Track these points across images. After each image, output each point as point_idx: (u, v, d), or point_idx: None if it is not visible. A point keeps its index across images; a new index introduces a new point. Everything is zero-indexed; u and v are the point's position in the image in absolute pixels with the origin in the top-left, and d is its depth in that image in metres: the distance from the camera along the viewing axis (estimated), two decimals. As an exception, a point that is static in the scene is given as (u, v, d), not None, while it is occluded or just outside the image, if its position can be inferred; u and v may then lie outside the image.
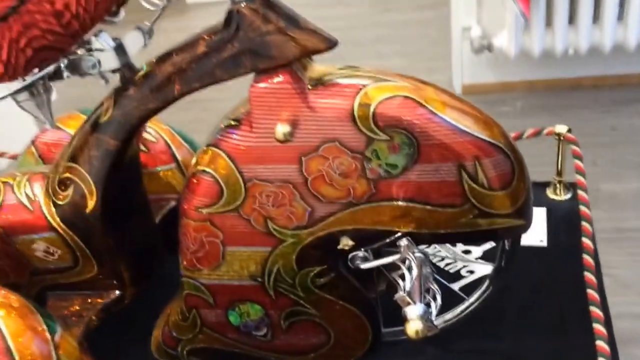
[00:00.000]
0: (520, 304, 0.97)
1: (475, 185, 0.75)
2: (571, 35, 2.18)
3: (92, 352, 0.89)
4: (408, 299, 0.74)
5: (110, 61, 0.81)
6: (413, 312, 0.73)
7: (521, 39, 2.19)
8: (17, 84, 0.81)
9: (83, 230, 0.88)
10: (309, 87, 0.76)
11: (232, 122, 0.78)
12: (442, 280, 1.01)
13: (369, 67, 0.80)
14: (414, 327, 0.72)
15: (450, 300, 0.91)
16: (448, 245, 1.09)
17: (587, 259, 0.96)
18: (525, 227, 0.80)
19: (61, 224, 0.88)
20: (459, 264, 1.06)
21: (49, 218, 0.88)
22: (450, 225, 0.78)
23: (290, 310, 0.85)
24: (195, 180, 0.79)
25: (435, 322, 0.78)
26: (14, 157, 1.38)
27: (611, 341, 0.87)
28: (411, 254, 0.77)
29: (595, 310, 0.89)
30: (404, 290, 0.75)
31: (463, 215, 0.77)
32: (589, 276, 0.94)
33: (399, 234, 0.79)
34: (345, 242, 0.79)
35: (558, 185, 1.18)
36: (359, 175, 0.76)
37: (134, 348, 0.97)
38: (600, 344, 0.84)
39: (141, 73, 0.81)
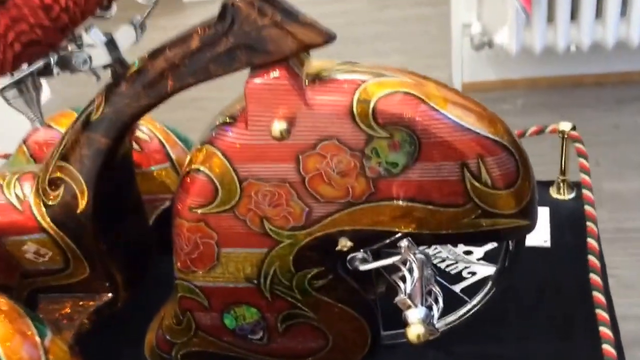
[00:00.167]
0: (524, 306, 0.96)
1: (478, 184, 0.74)
2: (573, 32, 2.16)
3: (83, 355, 0.87)
4: (409, 302, 0.72)
5: (101, 57, 0.80)
6: (414, 315, 0.71)
7: (522, 36, 2.17)
8: (5, 81, 0.79)
9: (74, 231, 0.86)
10: (306, 82, 0.74)
11: (227, 119, 0.76)
12: (444, 282, 1.00)
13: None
14: (415, 331, 0.71)
15: (451, 302, 0.89)
16: (449, 246, 1.07)
17: (593, 260, 0.95)
18: (530, 228, 0.78)
19: (52, 224, 0.86)
20: (460, 265, 1.04)
21: (39, 219, 0.86)
22: (452, 226, 0.76)
23: (287, 313, 0.83)
24: (189, 180, 0.77)
25: (437, 326, 0.76)
26: (5, 157, 1.36)
27: (618, 345, 0.85)
28: (412, 255, 0.75)
29: (602, 313, 0.87)
30: (405, 292, 0.73)
31: (466, 215, 0.75)
32: (595, 278, 0.92)
33: (400, 234, 0.77)
34: (344, 243, 0.77)
35: (562, 184, 1.16)
36: (358, 174, 0.74)
37: (127, 352, 0.95)
38: (607, 347, 0.83)
39: (133, 69, 0.79)
